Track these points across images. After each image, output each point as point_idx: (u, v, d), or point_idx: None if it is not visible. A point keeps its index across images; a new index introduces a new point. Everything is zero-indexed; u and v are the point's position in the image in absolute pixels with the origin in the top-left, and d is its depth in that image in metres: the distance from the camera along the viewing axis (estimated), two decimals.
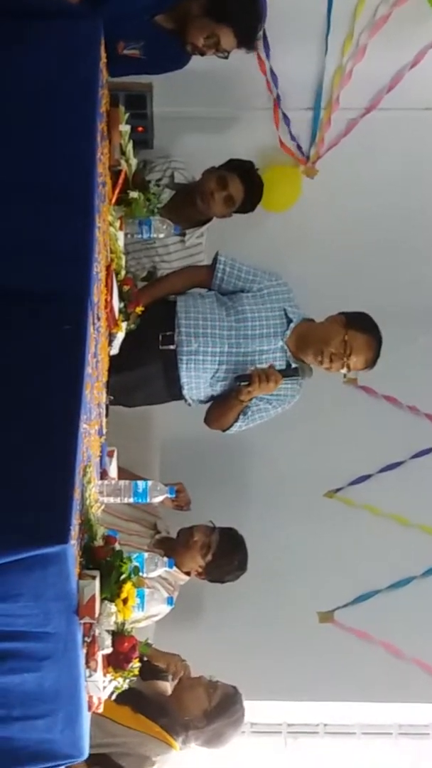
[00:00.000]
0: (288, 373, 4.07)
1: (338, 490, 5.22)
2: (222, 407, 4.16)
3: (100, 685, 2.68)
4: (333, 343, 4.05)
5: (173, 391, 4.19)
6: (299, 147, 5.18)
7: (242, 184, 4.60)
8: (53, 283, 2.81)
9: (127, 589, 2.66)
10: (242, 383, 4.03)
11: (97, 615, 2.53)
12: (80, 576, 2.52)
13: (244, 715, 4.40)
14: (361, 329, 4.09)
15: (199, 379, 4.14)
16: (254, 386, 3.98)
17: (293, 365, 4.14)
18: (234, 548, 4.43)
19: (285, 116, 5.08)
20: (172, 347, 4.12)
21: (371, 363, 4.13)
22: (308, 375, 4.09)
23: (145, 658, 3.08)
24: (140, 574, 2.86)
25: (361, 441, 5.24)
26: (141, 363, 4.05)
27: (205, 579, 4.48)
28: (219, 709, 4.32)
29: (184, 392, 4.17)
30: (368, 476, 5.21)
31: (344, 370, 4.12)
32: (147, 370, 4.13)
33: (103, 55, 3.42)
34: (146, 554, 3.04)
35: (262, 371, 3.99)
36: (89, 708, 2.71)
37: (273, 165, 5.08)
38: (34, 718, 2.55)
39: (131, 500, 3.18)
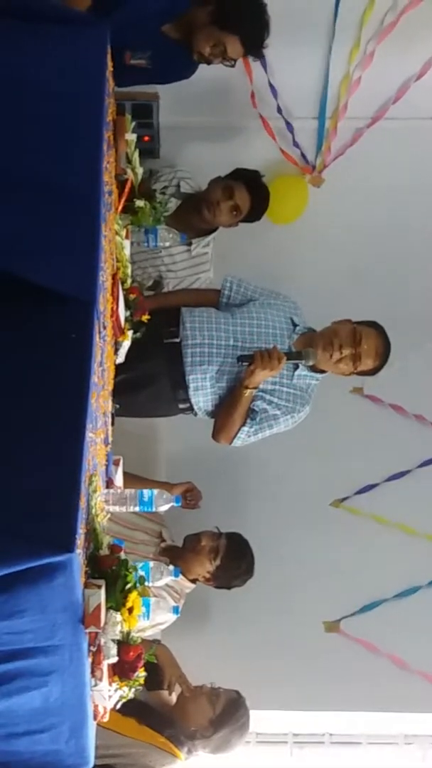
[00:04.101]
0: (292, 356, 4.04)
1: (344, 499, 5.21)
2: (228, 405, 4.13)
3: (105, 695, 2.68)
4: (342, 334, 4.07)
5: (178, 391, 4.16)
6: (305, 156, 5.19)
7: (248, 194, 4.60)
8: (59, 291, 2.80)
9: (133, 598, 2.66)
10: (244, 363, 4.00)
11: (102, 624, 2.53)
12: (86, 585, 2.52)
13: (249, 718, 4.41)
14: (367, 324, 4.14)
15: (205, 374, 4.11)
16: (257, 364, 3.94)
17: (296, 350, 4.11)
18: (242, 552, 4.45)
19: (289, 125, 5.09)
20: (176, 340, 4.12)
21: (383, 357, 4.12)
22: (312, 359, 4.05)
23: (153, 658, 3.06)
24: (146, 583, 2.85)
25: (367, 450, 5.23)
26: (145, 358, 4.01)
27: (212, 585, 4.48)
28: (224, 716, 4.33)
29: (190, 392, 4.15)
30: (374, 485, 5.19)
31: (353, 368, 4.09)
32: (151, 365, 4.11)
33: (110, 63, 3.43)
34: (152, 563, 3.03)
35: (265, 350, 3.97)
36: (95, 717, 2.71)
37: (280, 176, 5.08)
38: (39, 732, 2.56)
39: (137, 509, 3.17)
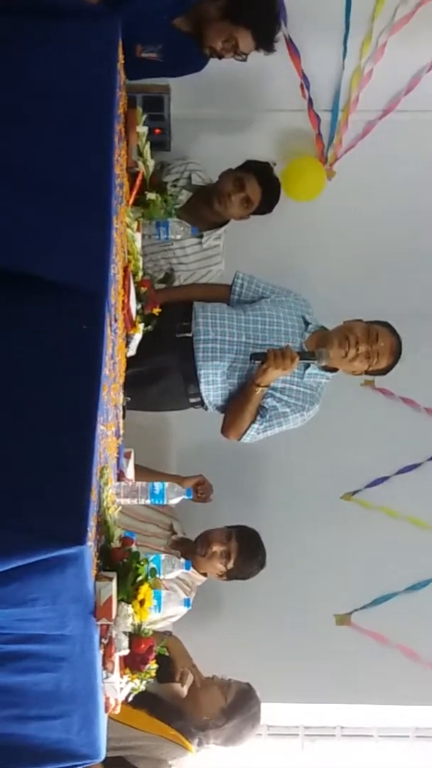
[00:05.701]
0: (305, 356, 4.03)
1: (355, 492, 5.21)
2: (238, 401, 4.12)
3: (117, 687, 2.68)
4: (357, 331, 4.06)
5: (189, 386, 4.16)
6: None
7: (259, 186, 4.59)
8: (70, 284, 2.81)
9: (144, 590, 2.66)
10: (257, 361, 4.00)
11: (114, 616, 2.54)
12: (97, 577, 2.52)
13: (261, 709, 4.41)
14: (378, 323, 4.13)
15: (216, 369, 4.11)
16: (270, 363, 3.94)
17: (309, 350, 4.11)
18: (254, 551, 4.44)
19: (317, 116, 5.05)
20: (188, 335, 4.12)
21: (396, 356, 4.12)
22: (326, 360, 4.04)
23: (165, 650, 3.06)
24: (157, 575, 2.85)
25: (378, 443, 5.23)
26: (157, 352, 4.01)
27: (224, 580, 4.48)
28: (236, 705, 4.33)
29: (201, 387, 4.14)
30: (385, 478, 5.20)
31: (367, 366, 4.09)
32: (163, 359, 4.11)
33: (121, 56, 3.43)
34: (163, 556, 3.04)
35: (278, 348, 3.97)
36: (106, 709, 2.71)
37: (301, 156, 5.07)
38: (51, 718, 2.56)
39: (148, 501, 3.17)
